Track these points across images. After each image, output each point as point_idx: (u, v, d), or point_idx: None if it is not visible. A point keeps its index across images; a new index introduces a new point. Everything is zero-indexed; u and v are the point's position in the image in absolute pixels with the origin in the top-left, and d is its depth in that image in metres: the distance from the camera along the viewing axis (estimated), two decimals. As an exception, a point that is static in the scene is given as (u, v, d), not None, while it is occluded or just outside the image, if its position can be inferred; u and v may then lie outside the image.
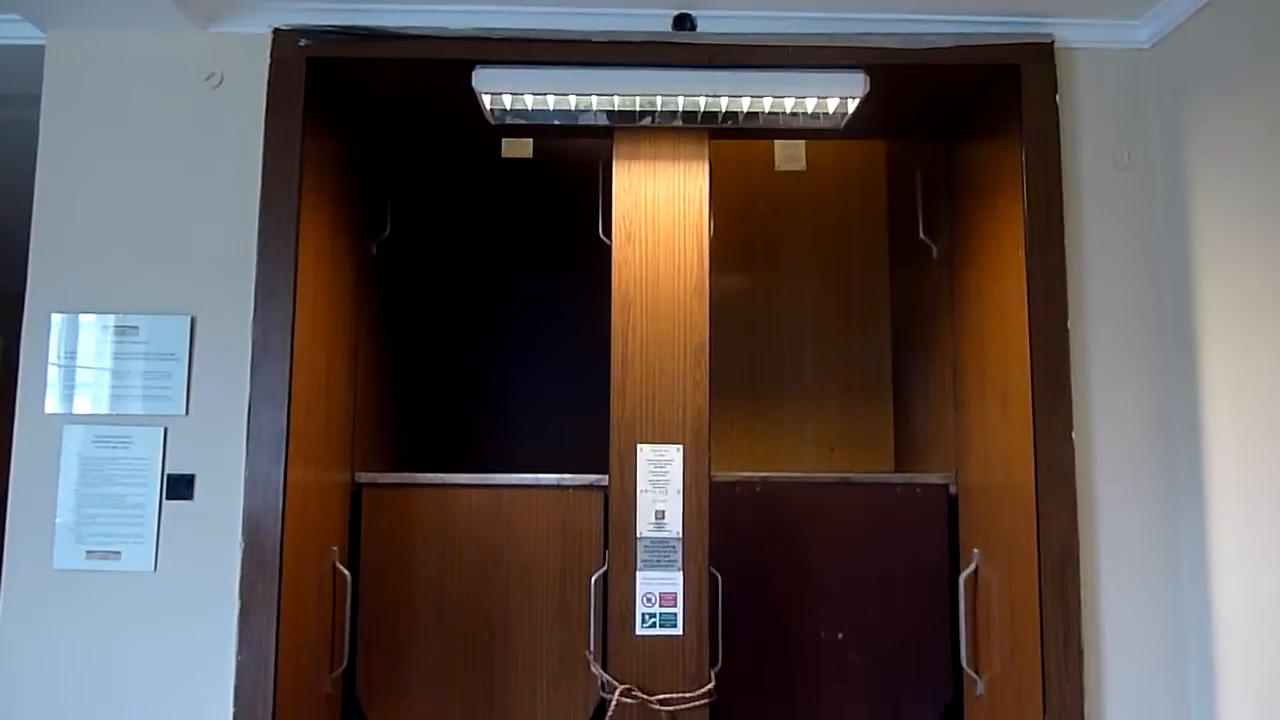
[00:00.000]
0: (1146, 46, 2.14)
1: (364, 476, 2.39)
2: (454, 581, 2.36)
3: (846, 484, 2.48)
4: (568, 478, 2.37)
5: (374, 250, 2.58)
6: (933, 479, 2.50)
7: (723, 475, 2.44)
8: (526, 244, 3.10)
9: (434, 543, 2.37)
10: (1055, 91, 2.10)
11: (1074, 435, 2.02)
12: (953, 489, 2.47)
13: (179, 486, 1.99)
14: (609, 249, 2.31)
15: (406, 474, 2.40)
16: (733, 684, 2.38)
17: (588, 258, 2.85)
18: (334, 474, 2.28)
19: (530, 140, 3.02)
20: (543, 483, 2.38)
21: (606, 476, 2.26)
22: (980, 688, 2.30)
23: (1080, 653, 1.97)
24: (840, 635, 2.43)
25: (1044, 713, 1.96)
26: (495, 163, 3.07)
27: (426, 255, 3.08)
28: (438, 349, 3.07)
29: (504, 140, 2.99)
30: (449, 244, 3.09)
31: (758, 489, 2.47)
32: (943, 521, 2.46)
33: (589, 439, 2.74)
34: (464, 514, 2.38)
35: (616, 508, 2.22)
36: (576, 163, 3.03)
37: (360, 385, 2.50)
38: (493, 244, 3.10)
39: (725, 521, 2.37)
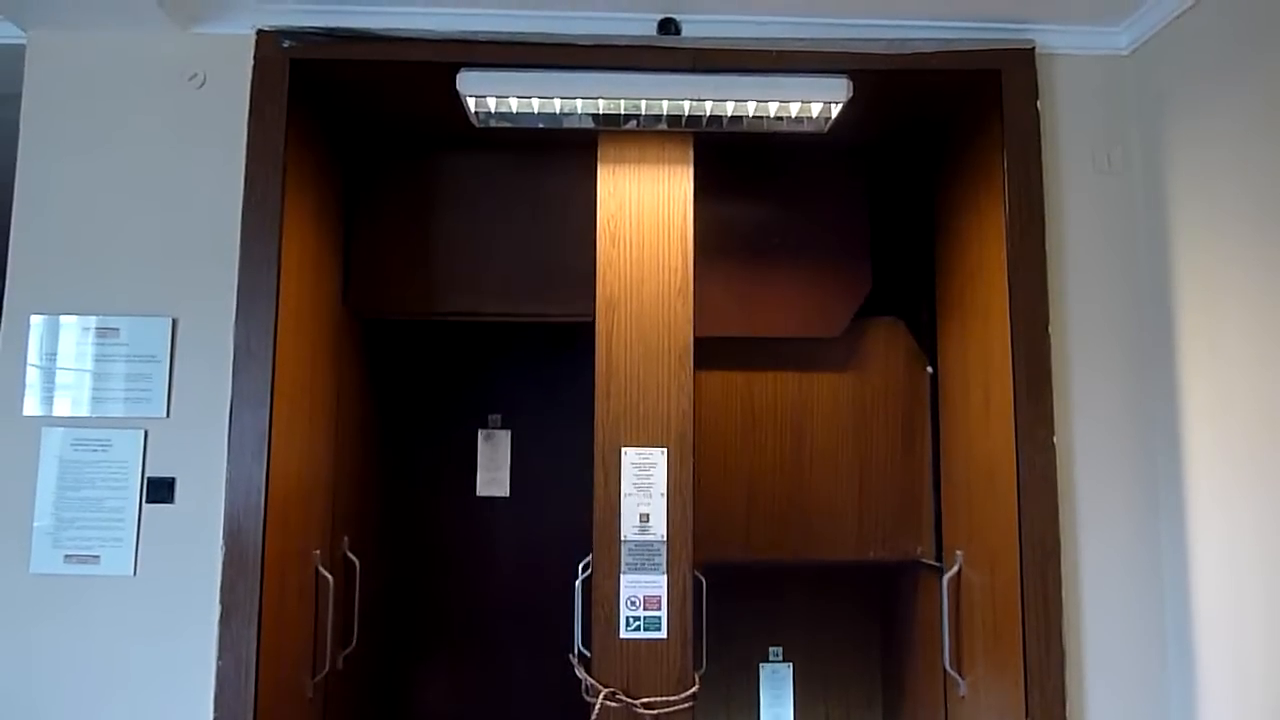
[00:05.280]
0: (1126, 52, 2.16)
1: None
2: None
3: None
4: None
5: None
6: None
7: None
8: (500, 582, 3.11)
9: None
10: (1036, 96, 2.12)
11: (1055, 439, 2.04)
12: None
13: (159, 489, 1.98)
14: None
15: None
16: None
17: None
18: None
19: (508, 477, 3.10)
20: None
21: None
22: (963, 689, 2.31)
23: (1062, 653, 1.98)
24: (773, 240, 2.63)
25: (1026, 714, 1.97)
26: (472, 500, 3.10)
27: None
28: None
29: (479, 479, 3.12)
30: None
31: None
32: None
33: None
34: None
35: (601, 511, 2.22)
36: (546, 500, 3.08)
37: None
38: (469, 582, 3.12)
39: None
